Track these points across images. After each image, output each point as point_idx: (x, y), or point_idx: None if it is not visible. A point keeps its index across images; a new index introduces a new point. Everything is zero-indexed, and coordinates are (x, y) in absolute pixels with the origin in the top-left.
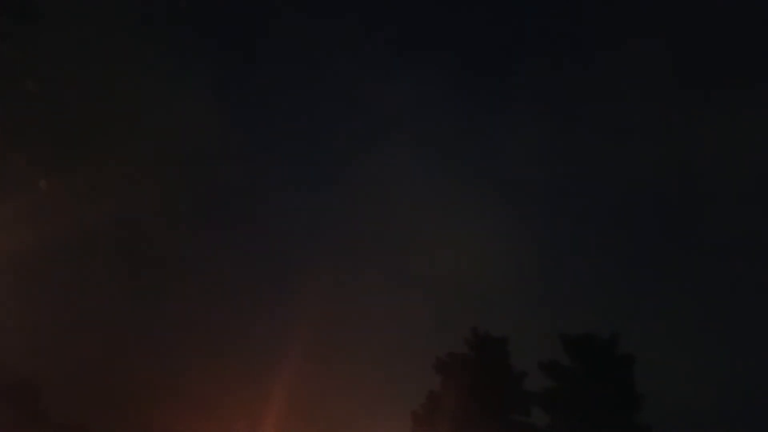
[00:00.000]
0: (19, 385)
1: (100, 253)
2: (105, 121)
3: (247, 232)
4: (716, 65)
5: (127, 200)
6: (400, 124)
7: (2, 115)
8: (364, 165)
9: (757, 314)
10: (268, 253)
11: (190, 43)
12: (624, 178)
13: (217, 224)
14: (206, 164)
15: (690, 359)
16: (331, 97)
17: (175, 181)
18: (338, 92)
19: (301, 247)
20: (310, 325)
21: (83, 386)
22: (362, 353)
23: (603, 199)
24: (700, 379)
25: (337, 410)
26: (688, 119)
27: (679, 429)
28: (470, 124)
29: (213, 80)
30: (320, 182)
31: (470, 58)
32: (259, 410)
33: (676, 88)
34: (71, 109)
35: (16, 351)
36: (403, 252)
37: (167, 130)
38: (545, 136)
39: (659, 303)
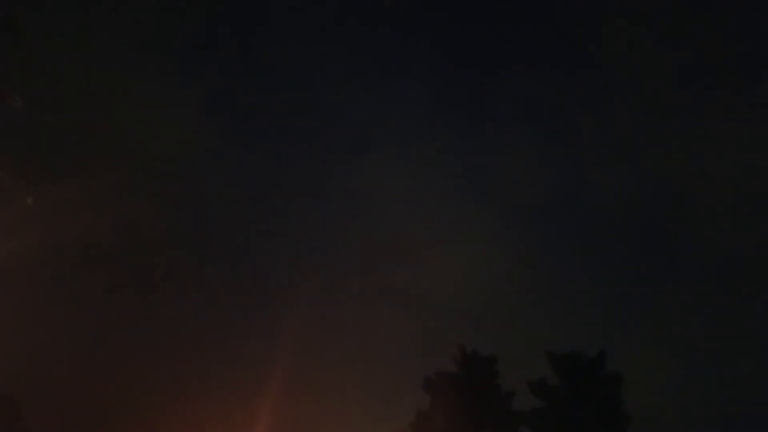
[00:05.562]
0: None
1: (83, 268)
2: (92, 135)
3: (232, 248)
4: (712, 75)
5: (113, 216)
6: (385, 136)
7: None
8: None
9: (745, 334)
10: (255, 268)
11: (179, 57)
12: (612, 193)
13: (201, 239)
14: (193, 178)
15: (679, 378)
16: (313, 110)
17: (160, 196)
18: (321, 104)
19: (288, 263)
20: (297, 343)
21: (65, 403)
22: (350, 371)
23: (592, 213)
24: (688, 398)
25: (324, 430)
26: (677, 131)
27: None
28: (458, 137)
29: (197, 94)
30: (305, 195)
31: (457, 66)
32: (246, 428)
33: (670, 98)
34: (58, 124)
35: None
36: (391, 268)
37: (152, 144)
38: (533, 150)
39: (649, 321)
